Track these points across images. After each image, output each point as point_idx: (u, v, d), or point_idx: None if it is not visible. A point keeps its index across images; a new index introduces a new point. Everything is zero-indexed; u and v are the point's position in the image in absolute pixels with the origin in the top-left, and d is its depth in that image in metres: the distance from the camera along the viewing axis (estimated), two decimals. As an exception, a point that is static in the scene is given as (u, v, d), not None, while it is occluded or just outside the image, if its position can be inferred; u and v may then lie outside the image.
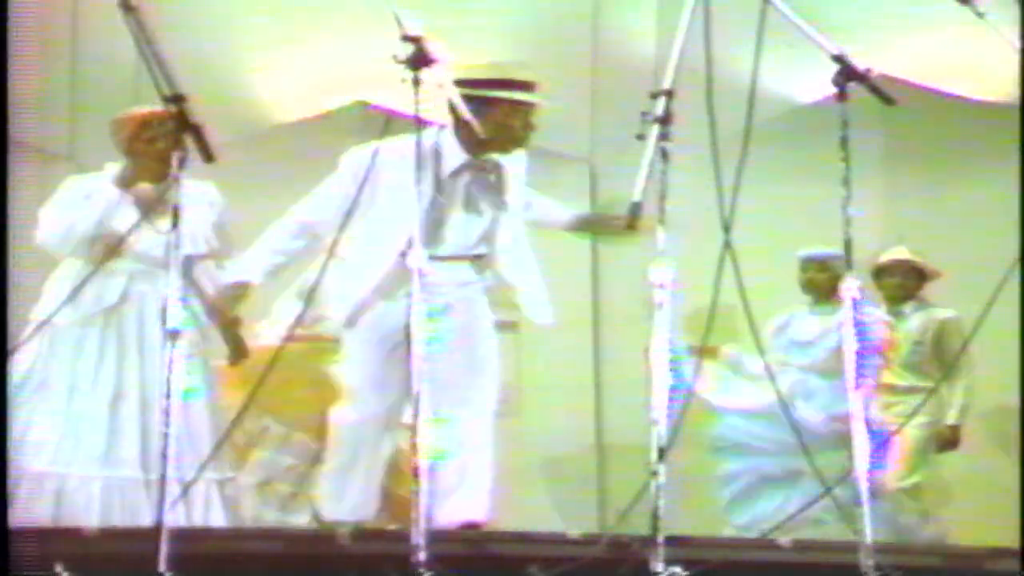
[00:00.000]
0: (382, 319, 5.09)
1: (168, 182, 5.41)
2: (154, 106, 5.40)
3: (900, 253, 7.18)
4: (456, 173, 5.16)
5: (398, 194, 4.67)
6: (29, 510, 5.29)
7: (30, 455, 5.43)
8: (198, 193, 5.62)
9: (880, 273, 7.18)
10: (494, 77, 5.17)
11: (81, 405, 5.47)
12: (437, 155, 5.10)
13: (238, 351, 5.70)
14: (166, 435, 4.00)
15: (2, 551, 3.86)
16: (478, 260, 5.27)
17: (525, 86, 5.18)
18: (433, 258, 4.68)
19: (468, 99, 4.95)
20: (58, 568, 3.95)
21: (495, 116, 5.10)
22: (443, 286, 4.98)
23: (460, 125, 5.07)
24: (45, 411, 5.48)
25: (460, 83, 4.92)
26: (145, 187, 5.59)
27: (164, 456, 3.99)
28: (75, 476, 5.42)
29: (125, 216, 5.51)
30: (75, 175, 5.88)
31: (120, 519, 5.32)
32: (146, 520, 5.28)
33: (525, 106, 5.16)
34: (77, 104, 7.91)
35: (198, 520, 5.42)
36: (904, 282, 7.16)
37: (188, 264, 5.59)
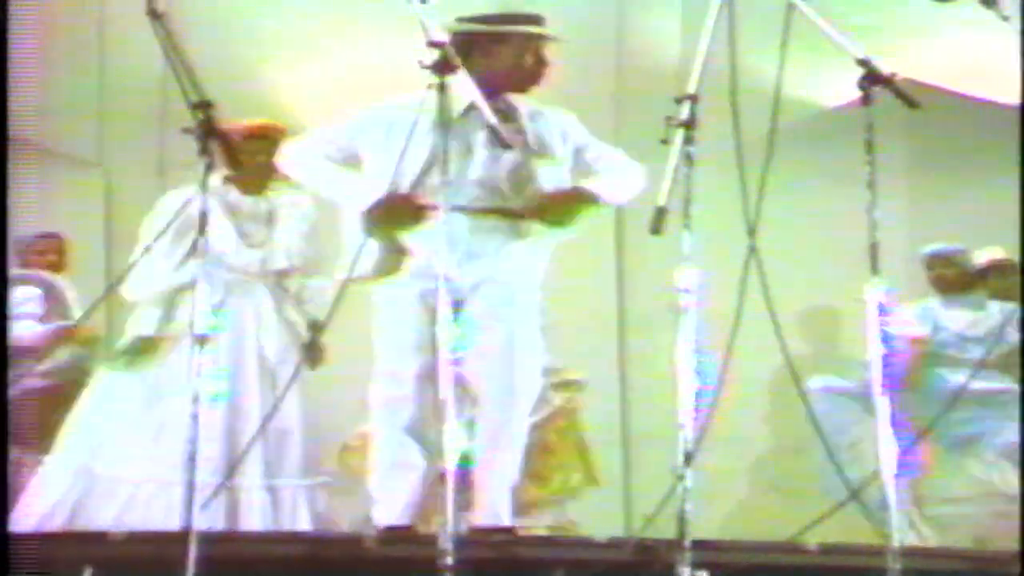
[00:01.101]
0: (415, 270, 4.84)
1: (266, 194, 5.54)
2: (256, 119, 5.53)
3: (999, 252, 7.16)
4: (466, 114, 4.77)
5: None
6: (117, 515, 5.35)
7: (111, 461, 5.47)
8: (291, 205, 5.71)
9: (982, 273, 7.15)
10: (499, 12, 5.00)
11: (168, 412, 5.48)
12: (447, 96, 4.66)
13: (315, 357, 5.72)
14: (194, 441, 4.02)
15: (2, 553, 3.87)
16: (509, 214, 4.98)
17: (531, 19, 5.02)
18: (457, 208, 4.56)
19: (475, 39, 4.90)
20: (86, 571, 3.97)
21: (506, 53, 4.97)
22: (472, 245, 4.84)
23: (472, 64, 4.70)
24: (125, 418, 5.51)
25: (465, 20, 4.89)
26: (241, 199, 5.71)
27: (192, 461, 4.00)
28: (155, 481, 5.45)
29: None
30: (175, 189, 5.89)
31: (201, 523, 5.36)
32: (227, 524, 5.42)
33: (535, 40, 5.00)
34: (105, 110, 7.96)
35: (285, 525, 5.49)
36: (1012, 282, 7.12)
37: (280, 277, 5.67)
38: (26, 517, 5.50)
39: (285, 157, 5.18)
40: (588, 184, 5.05)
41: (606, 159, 5.15)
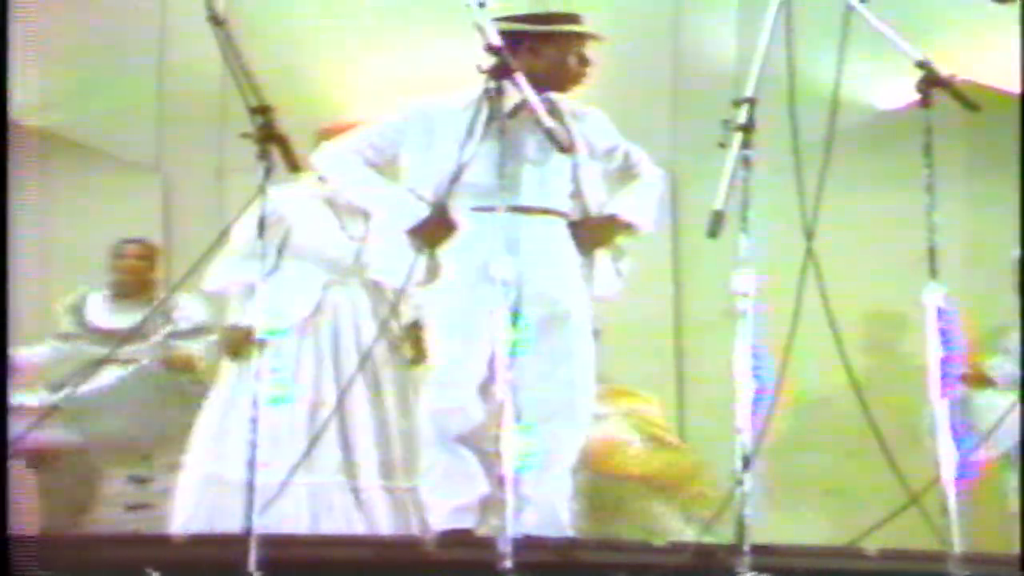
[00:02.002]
0: (470, 256, 4.78)
1: None
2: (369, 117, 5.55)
3: None
4: (514, 115, 4.66)
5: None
6: (234, 517, 5.37)
7: (228, 464, 5.47)
8: None
9: None
10: (539, 12, 5.00)
11: (280, 414, 5.46)
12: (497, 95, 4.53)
13: (419, 354, 5.71)
14: (254, 443, 4.04)
15: (2, 556, 3.89)
16: (562, 216, 5.00)
17: (572, 19, 4.99)
18: (513, 209, 4.48)
19: (520, 38, 4.85)
20: (151, 573, 4.00)
21: (550, 52, 4.93)
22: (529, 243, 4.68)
23: (520, 62, 4.54)
24: (240, 420, 5.52)
25: (505, 19, 4.77)
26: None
27: (252, 464, 4.01)
28: (276, 483, 5.46)
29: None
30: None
31: (322, 524, 5.44)
32: (351, 523, 5.47)
33: (580, 39, 4.97)
34: (164, 115, 8.02)
35: (405, 528, 5.50)
36: None
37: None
38: (169, 526, 5.58)
39: (320, 158, 5.12)
40: (628, 204, 5.08)
41: (645, 162, 5.17)
